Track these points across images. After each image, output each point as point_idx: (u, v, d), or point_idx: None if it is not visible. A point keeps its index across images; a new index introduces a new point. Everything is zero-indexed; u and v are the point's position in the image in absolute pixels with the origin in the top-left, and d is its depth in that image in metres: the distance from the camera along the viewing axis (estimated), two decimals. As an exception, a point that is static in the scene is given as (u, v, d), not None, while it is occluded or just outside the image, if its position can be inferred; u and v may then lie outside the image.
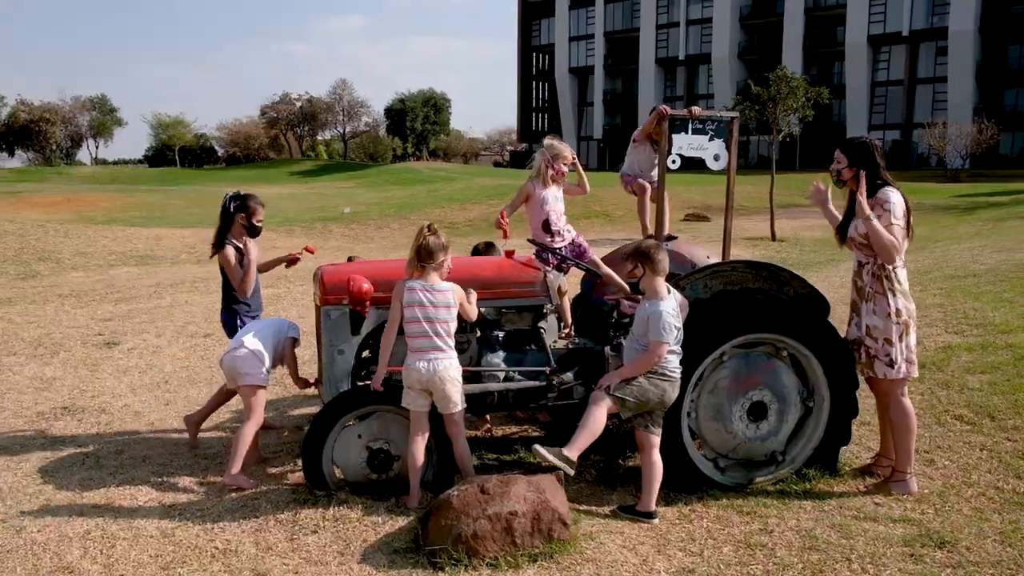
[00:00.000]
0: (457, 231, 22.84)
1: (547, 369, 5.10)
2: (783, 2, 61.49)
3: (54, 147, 70.85)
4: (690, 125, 5.86)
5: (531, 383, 5.07)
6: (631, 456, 5.31)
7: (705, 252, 5.98)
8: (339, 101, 71.61)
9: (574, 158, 5.77)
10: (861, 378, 4.84)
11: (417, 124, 70.01)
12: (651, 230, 6.23)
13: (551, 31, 76.97)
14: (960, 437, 5.47)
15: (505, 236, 5.35)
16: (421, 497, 4.43)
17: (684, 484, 4.70)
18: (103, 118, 75.89)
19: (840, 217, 4.84)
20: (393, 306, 4.38)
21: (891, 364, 4.63)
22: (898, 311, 4.60)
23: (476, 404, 5.04)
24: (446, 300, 4.36)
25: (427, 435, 4.44)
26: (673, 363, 4.40)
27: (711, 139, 5.90)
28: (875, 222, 4.49)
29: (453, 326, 4.40)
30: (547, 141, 5.71)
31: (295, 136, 76.17)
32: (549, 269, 5.28)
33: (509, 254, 5.28)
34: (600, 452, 5.18)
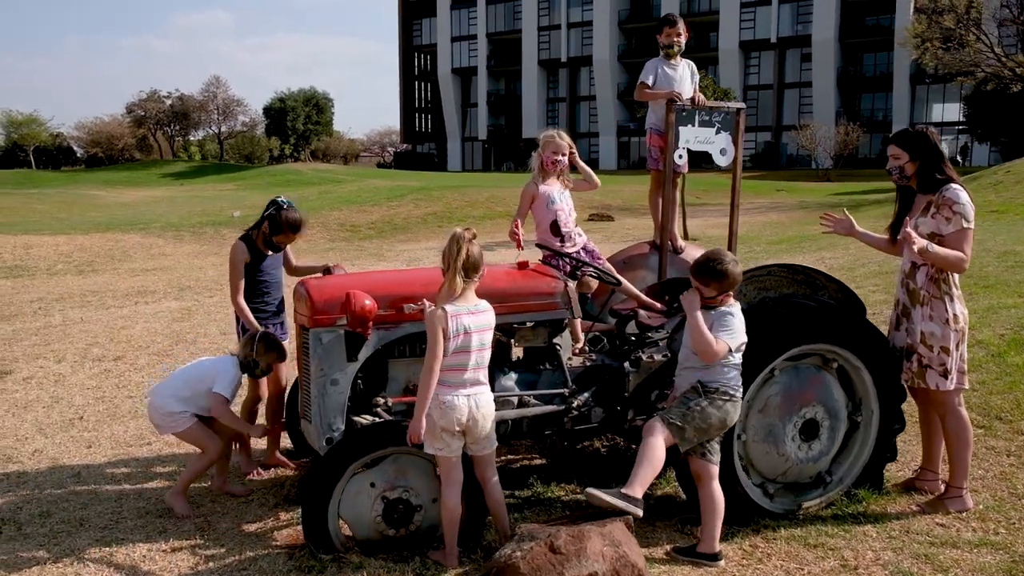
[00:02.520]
0: (360, 234, 21.79)
1: (565, 391, 4.49)
2: (659, 8, 63.09)
3: None
4: (697, 117, 5.40)
5: (548, 407, 4.45)
6: (658, 482, 4.77)
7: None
8: (213, 99, 67.90)
9: (571, 148, 5.19)
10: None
11: (299, 124, 67.38)
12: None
13: (433, 31, 75.98)
14: (979, 442, 5.24)
15: (519, 247, 4.72)
16: (459, 553, 3.73)
17: (735, 515, 4.19)
18: (-58, 116, 68.99)
19: (873, 234, 4.47)
20: (434, 338, 3.54)
21: (945, 375, 4.29)
22: (955, 316, 4.27)
23: (489, 435, 4.39)
24: (490, 322, 3.69)
25: (461, 482, 3.72)
26: (735, 379, 3.88)
27: (718, 132, 5.47)
28: (936, 250, 4.10)
29: (490, 353, 3.74)
30: (541, 134, 5.14)
31: (165, 136, 71.67)
32: (567, 278, 4.67)
33: (522, 265, 4.63)
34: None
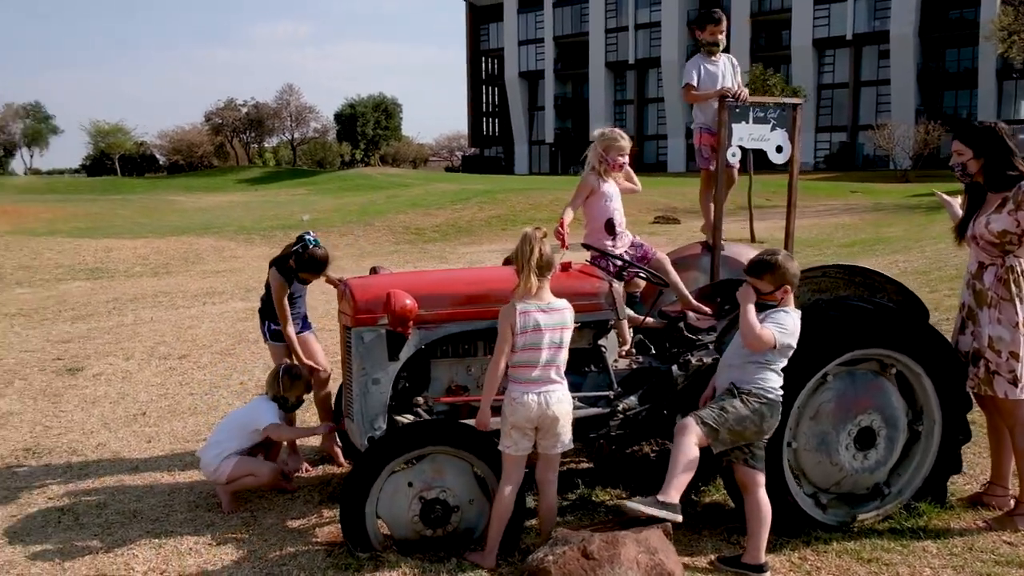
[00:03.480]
0: (424, 237, 22.02)
1: (610, 393, 4.41)
2: (729, 6, 62.01)
3: (-15, 157, 67.60)
4: (751, 113, 5.24)
5: (593, 410, 4.38)
6: (706, 489, 4.65)
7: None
8: (286, 107, 69.76)
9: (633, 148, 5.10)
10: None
11: (368, 129, 68.61)
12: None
13: (500, 35, 76.30)
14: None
15: (563, 246, 4.66)
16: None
17: (784, 526, 4.04)
18: (37, 126, 72.65)
19: (961, 213, 4.25)
20: (503, 333, 3.60)
21: (1014, 382, 4.05)
22: (1026, 320, 4.03)
23: (532, 438, 4.34)
24: (564, 320, 3.65)
25: (521, 482, 3.71)
26: (772, 383, 3.74)
27: (773, 128, 5.30)
28: None
29: (567, 351, 3.71)
30: (598, 130, 5.04)
31: (241, 143, 73.94)
32: (612, 278, 4.59)
33: (565, 266, 4.56)
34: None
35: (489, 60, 79.98)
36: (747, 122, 5.23)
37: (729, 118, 5.17)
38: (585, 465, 5.23)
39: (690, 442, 3.64)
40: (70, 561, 3.91)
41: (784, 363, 3.77)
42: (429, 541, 3.82)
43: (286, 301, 5.00)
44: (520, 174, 66.53)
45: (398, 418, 4.19)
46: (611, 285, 4.44)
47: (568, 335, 3.69)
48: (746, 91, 5.31)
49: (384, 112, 70.45)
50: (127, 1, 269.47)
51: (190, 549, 4.03)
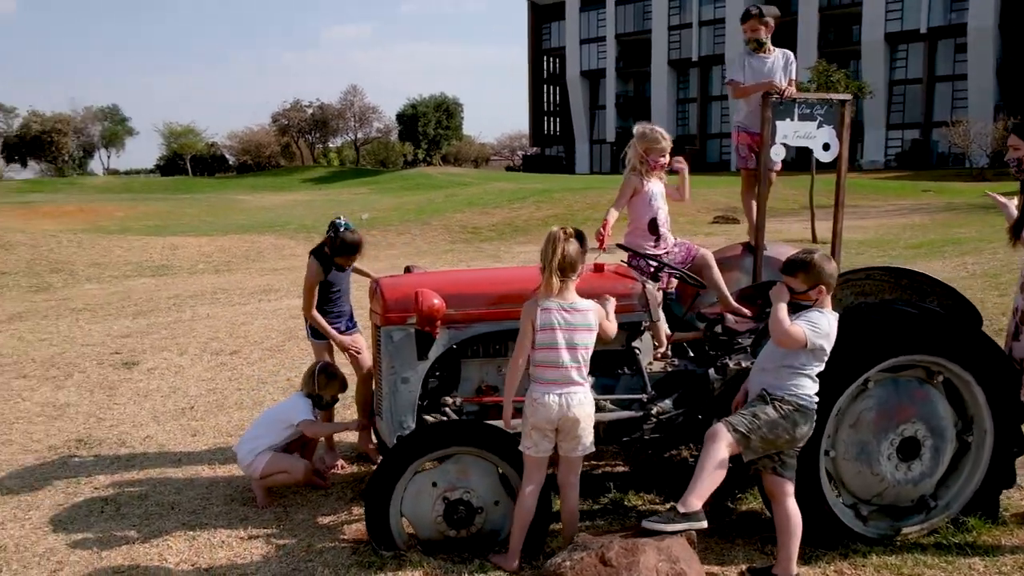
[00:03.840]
0: (480, 236, 22.08)
1: (644, 397, 4.32)
2: (797, 1, 60.53)
3: (66, 158, 70.51)
4: (796, 110, 5.08)
5: (625, 413, 4.30)
6: (742, 496, 4.52)
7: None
8: (350, 107, 70.92)
9: (682, 163, 5.02)
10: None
11: (429, 129, 69.26)
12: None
13: (562, 34, 76.12)
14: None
15: (601, 247, 4.61)
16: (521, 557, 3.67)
17: (821, 537, 3.90)
18: (115, 128, 75.50)
19: (1016, 213, 4.04)
20: (523, 329, 3.60)
21: (1072, 390, 3.82)
22: (1084, 326, 3.80)
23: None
24: (587, 322, 3.60)
25: (543, 483, 3.67)
26: (809, 390, 3.60)
27: (820, 126, 5.13)
28: None
29: (590, 353, 3.65)
30: (637, 128, 4.95)
31: (306, 143, 75.48)
32: (646, 279, 4.50)
33: (599, 268, 4.50)
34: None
35: (551, 59, 79.87)
36: (792, 119, 5.08)
37: (773, 115, 5.02)
38: (621, 468, 5.15)
39: (720, 449, 3.53)
40: (108, 550, 4.02)
41: (820, 368, 3.63)
42: (453, 542, 3.80)
43: (315, 286, 5.06)
44: (581, 173, 66.28)
45: (427, 417, 4.20)
46: (644, 286, 4.36)
47: (591, 337, 3.63)
48: (792, 88, 5.15)
49: (445, 112, 70.99)
50: (197, 7, 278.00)
51: (222, 542, 4.10)
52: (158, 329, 9.43)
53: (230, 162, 78.20)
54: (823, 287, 3.60)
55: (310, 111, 71.89)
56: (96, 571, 3.81)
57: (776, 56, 5.41)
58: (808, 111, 5.10)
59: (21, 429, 6.01)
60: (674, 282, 5.03)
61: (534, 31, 79.68)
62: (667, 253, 4.88)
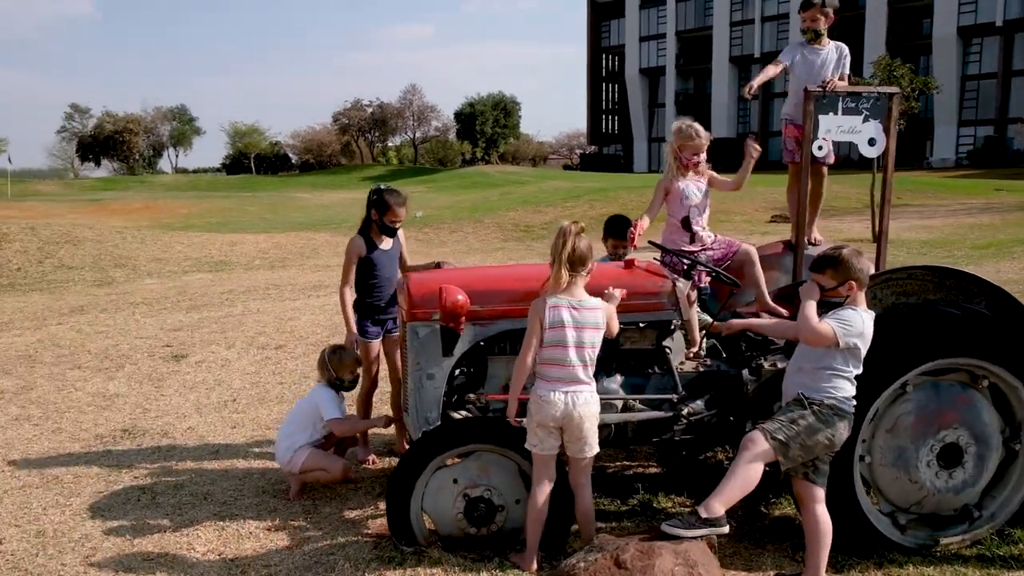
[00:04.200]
0: (532, 234, 22.06)
1: (674, 397, 4.23)
2: (867, -4, 58.88)
3: (137, 157, 73.04)
4: (840, 104, 4.91)
5: (655, 413, 4.21)
6: (777, 501, 4.39)
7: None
8: (409, 106, 71.74)
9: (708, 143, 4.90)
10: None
11: (487, 128, 69.57)
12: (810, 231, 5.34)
13: (621, 32, 75.53)
14: None
15: (632, 246, 4.54)
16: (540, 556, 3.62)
17: (855, 545, 3.76)
18: (183, 128, 77.96)
19: None
20: (531, 326, 3.56)
21: None
22: None
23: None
24: (596, 320, 3.54)
25: (553, 483, 3.61)
26: (848, 392, 3.47)
27: (865, 120, 4.94)
28: None
29: (597, 352, 3.59)
30: (674, 124, 4.88)
31: (366, 142, 76.63)
32: (677, 277, 4.40)
33: (629, 264, 4.43)
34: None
35: (609, 57, 79.32)
36: (836, 113, 4.91)
37: (815, 109, 4.86)
38: (654, 469, 5.06)
39: (755, 457, 3.41)
40: (140, 538, 4.11)
41: (858, 370, 3.49)
42: (474, 539, 3.78)
43: (355, 259, 5.09)
44: (639, 172, 65.60)
45: (452, 414, 4.18)
46: (675, 284, 4.26)
47: (599, 336, 3.56)
48: (837, 81, 4.99)
49: (503, 110, 71.23)
50: (263, 10, 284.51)
51: (250, 533, 4.16)
52: (208, 323, 9.65)
53: (293, 161, 79.81)
54: (853, 283, 3.46)
55: (369, 110, 72.94)
56: (127, 557, 3.90)
57: (830, 49, 5.27)
58: (853, 105, 4.91)
59: (71, 418, 6.21)
60: (708, 280, 4.92)
61: (593, 29, 79.25)
62: (703, 250, 4.77)
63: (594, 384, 3.59)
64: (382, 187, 5.19)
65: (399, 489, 3.75)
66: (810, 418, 3.42)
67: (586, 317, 3.52)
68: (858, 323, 3.42)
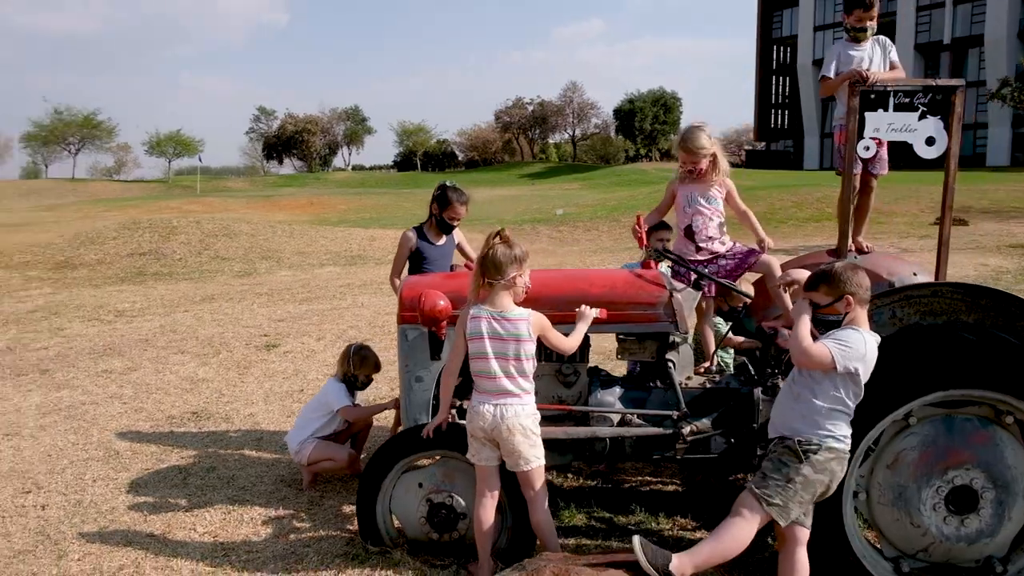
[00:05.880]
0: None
1: (674, 413, 4.00)
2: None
3: (314, 155, 78.25)
4: (892, 99, 4.42)
5: (653, 429, 4.01)
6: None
7: (912, 268, 4.53)
8: (569, 104, 72.12)
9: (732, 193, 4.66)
10: None
11: (645, 124, 68.56)
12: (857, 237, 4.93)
13: (793, 22, 71.90)
14: None
15: (641, 245, 4.35)
16: (493, 568, 3.54)
17: (845, 591, 3.39)
18: (355, 127, 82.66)
19: None
20: (456, 338, 3.52)
21: None
22: None
23: (582, 451, 4.12)
24: (517, 331, 3.43)
25: (497, 495, 3.53)
26: (845, 430, 3.12)
27: (922, 117, 4.41)
28: None
29: (531, 364, 3.46)
30: (682, 128, 4.63)
31: (527, 139, 77.85)
32: (681, 287, 4.16)
33: (646, 265, 4.24)
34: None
35: (781, 48, 75.76)
36: (885, 109, 4.42)
37: (861, 105, 4.41)
38: (673, 487, 4.81)
39: (748, 524, 3.10)
40: (154, 515, 4.42)
41: (857, 399, 3.12)
42: (437, 545, 3.76)
43: (406, 252, 5.28)
44: (809, 169, 62.22)
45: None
46: (672, 295, 4.02)
47: (526, 347, 3.41)
48: (878, 73, 4.51)
49: (663, 106, 69.91)
50: (432, 13, 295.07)
51: (251, 519, 4.36)
52: (312, 315, 10.18)
53: (459, 158, 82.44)
54: (850, 298, 3.12)
55: (530, 108, 73.96)
56: (134, 534, 4.20)
57: (870, 44, 4.79)
58: (907, 100, 4.40)
59: (155, 399, 6.76)
60: (740, 297, 4.63)
61: (763, 20, 75.99)
62: (715, 260, 4.48)
63: (530, 396, 3.46)
64: (447, 184, 5.28)
65: (366, 490, 3.79)
66: (805, 470, 3.09)
67: (507, 329, 3.40)
68: (859, 345, 3.08)
